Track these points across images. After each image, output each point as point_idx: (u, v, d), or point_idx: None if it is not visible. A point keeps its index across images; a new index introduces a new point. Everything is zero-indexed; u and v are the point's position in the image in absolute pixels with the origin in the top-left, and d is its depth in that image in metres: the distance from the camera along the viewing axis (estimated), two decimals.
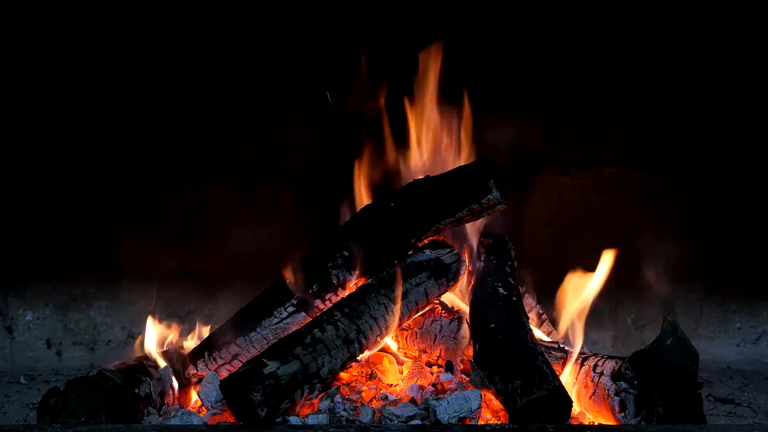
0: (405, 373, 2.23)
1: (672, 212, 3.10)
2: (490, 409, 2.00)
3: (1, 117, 2.98)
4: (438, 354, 2.28)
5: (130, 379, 2.02)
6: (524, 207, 3.04)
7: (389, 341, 2.32)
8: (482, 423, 1.91)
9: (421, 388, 2.12)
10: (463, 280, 2.33)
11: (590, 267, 2.34)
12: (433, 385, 2.14)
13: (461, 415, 1.89)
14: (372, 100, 2.57)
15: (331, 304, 2.19)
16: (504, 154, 2.78)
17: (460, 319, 2.27)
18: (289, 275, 2.23)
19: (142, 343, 2.28)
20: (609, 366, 2.00)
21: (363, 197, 2.49)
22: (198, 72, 2.99)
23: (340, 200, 2.49)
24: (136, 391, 2.01)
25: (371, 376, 2.20)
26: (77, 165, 3.02)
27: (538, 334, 2.34)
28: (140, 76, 2.98)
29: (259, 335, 2.22)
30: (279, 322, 2.22)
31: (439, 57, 2.51)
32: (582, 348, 2.21)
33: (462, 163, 2.41)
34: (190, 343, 2.35)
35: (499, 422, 1.95)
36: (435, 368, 2.26)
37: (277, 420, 1.88)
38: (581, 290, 2.27)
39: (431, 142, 2.50)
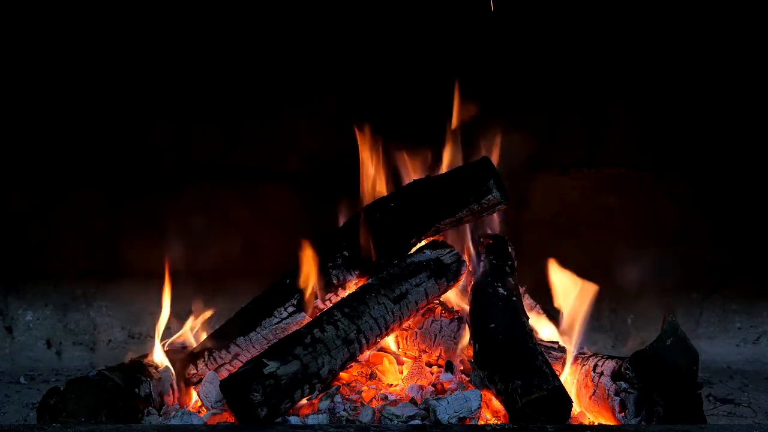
0: (405, 373, 2.24)
1: (672, 212, 3.10)
2: (490, 409, 2.00)
3: (1, 117, 2.99)
4: (438, 354, 2.28)
5: (130, 379, 2.02)
6: (524, 207, 3.05)
7: (389, 341, 2.32)
8: (482, 423, 1.91)
9: (421, 388, 2.12)
10: (463, 280, 2.33)
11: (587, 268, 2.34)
12: (433, 385, 2.14)
13: (461, 415, 1.89)
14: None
15: (331, 304, 2.19)
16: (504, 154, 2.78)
17: (460, 319, 2.27)
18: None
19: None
20: (609, 366, 2.00)
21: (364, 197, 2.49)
22: (198, 72, 2.99)
23: (341, 200, 2.49)
24: (136, 391, 2.01)
25: (371, 376, 2.20)
26: (77, 165, 3.02)
27: (539, 333, 2.34)
28: (141, 77, 2.98)
29: (260, 335, 2.21)
30: (279, 322, 2.22)
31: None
32: (582, 348, 2.21)
33: (462, 164, 2.41)
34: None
35: (499, 422, 1.95)
36: (435, 368, 2.26)
37: (277, 420, 1.88)
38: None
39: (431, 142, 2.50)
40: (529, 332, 2.08)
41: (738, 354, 3.12)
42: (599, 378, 2.00)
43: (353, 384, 2.15)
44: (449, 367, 2.22)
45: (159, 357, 2.20)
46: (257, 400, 1.84)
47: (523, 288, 2.42)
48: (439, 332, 2.27)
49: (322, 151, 3.00)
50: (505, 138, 2.53)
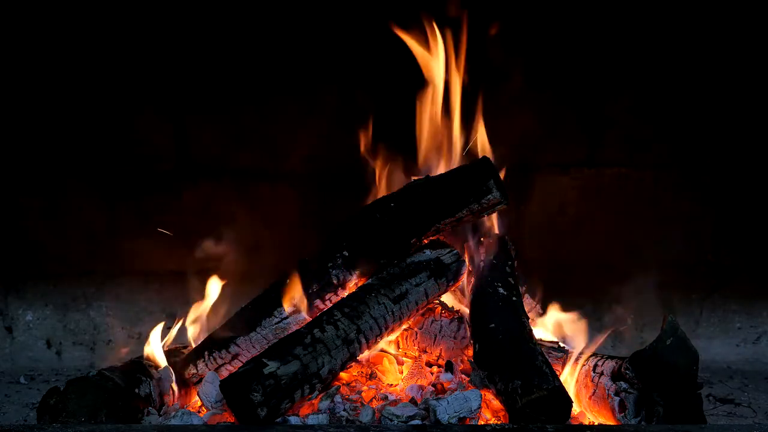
0: (405, 373, 2.24)
1: (672, 212, 3.10)
2: (490, 409, 2.00)
3: (1, 117, 2.99)
4: (438, 354, 2.28)
5: (130, 379, 2.02)
6: (524, 207, 3.04)
7: (389, 341, 2.32)
8: (482, 423, 1.91)
9: (421, 388, 2.12)
10: (463, 280, 2.33)
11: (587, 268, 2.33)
12: (433, 385, 2.14)
13: (461, 415, 1.89)
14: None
15: (331, 304, 2.19)
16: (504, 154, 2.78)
17: (460, 319, 2.27)
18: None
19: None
20: (609, 366, 2.00)
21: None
22: (199, 72, 2.99)
23: (341, 200, 2.49)
24: (136, 391, 2.01)
25: (371, 376, 2.20)
26: (77, 165, 3.02)
27: (539, 334, 2.34)
28: (141, 77, 2.98)
29: (260, 335, 2.22)
30: (279, 322, 2.22)
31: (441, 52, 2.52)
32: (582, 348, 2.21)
33: (462, 164, 2.41)
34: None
35: (499, 422, 1.95)
36: (435, 368, 2.26)
37: (277, 420, 1.89)
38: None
39: (433, 142, 2.50)
40: (529, 332, 2.08)
41: (738, 354, 3.12)
42: (599, 378, 2.00)
43: (353, 384, 2.15)
44: (449, 367, 2.22)
45: (159, 357, 2.20)
46: (257, 400, 1.84)
47: (523, 288, 2.42)
48: (439, 332, 2.27)
49: (322, 151, 2.99)
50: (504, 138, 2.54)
